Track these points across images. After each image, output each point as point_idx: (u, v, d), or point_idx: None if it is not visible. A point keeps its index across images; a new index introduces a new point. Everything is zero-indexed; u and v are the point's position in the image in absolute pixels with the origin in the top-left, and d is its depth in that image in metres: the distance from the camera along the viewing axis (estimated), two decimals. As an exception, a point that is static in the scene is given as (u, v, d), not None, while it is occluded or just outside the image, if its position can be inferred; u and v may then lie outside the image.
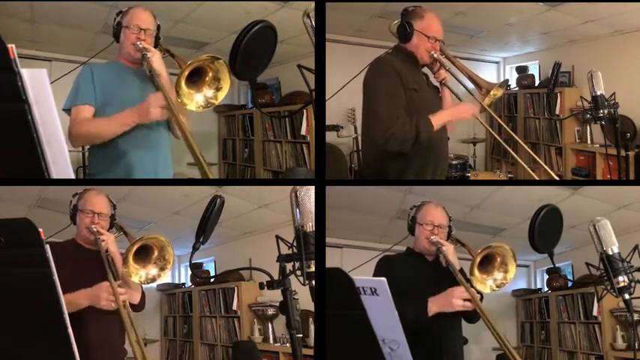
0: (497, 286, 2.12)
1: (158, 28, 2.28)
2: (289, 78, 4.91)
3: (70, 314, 1.20)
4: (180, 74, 1.97)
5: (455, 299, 2.03)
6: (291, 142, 4.81)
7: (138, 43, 2.18)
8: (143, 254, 2.15)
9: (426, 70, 2.50)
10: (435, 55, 2.40)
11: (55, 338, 1.21)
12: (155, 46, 2.23)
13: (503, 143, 2.47)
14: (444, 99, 2.50)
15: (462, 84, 2.49)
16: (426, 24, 2.39)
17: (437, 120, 2.26)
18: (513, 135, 2.54)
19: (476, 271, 2.08)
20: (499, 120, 2.50)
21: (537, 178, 2.55)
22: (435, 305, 2.06)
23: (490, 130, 2.70)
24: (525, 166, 2.44)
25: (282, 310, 1.56)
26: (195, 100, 2.02)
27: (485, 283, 2.11)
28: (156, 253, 2.16)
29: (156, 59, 2.13)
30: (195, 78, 2.02)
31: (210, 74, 2.02)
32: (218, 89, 2.02)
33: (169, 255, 2.15)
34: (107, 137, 2.15)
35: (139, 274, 2.14)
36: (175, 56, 2.19)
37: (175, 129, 2.25)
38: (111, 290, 2.09)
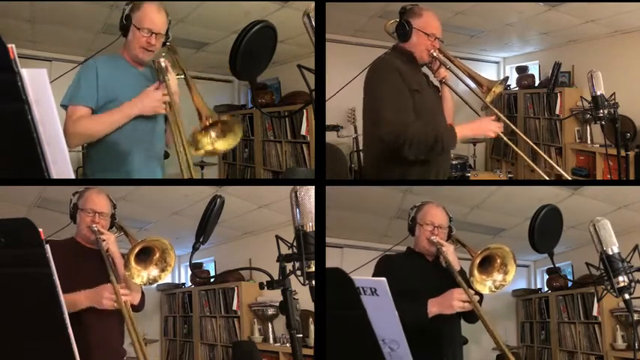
0: (496, 288, 2.12)
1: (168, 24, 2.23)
2: (289, 78, 4.90)
3: (70, 314, 1.20)
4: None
5: (455, 301, 2.05)
6: (291, 142, 4.81)
7: (148, 48, 2.16)
8: (144, 255, 2.15)
9: (425, 70, 2.49)
10: (435, 54, 2.39)
11: (55, 338, 1.20)
12: (163, 45, 2.21)
13: (508, 142, 2.45)
14: (444, 98, 2.50)
15: (462, 82, 2.48)
16: (424, 22, 2.37)
17: (461, 131, 2.27)
18: (518, 132, 2.53)
19: (475, 272, 2.08)
20: (503, 117, 2.48)
21: (547, 178, 2.54)
22: (435, 307, 2.07)
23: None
24: (533, 165, 2.44)
25: (282, 310, 1.56)
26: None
27: (484, 284, 2.11)
28: (157, 255, 2.16)
29: (172, 79, 2.15)
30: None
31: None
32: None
33: (171, 258, 2.15)
34: (108, 130, 2.13)
35: (140, 275, 2.14)
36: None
37: (170, 139, 2.27)
38: (113, 290, 2.10)
